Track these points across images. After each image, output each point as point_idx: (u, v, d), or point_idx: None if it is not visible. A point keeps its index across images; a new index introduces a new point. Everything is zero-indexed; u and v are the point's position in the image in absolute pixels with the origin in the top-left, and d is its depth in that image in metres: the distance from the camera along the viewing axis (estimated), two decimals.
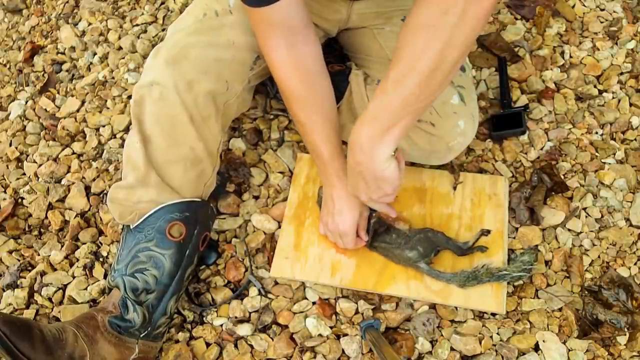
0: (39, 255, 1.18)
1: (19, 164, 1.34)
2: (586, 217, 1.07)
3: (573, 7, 1.35)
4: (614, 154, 1.13)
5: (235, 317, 1.04)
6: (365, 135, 0.79)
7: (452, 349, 0.96)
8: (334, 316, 1.02)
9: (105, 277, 1.11)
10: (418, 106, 0.76)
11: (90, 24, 1.55)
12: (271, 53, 0.90)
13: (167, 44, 0.95)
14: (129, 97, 1.35)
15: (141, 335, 0.94)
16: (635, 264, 1.02)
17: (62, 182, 1.27)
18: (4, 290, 1.14)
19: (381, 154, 0.80)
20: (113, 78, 1.41)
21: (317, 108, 0.94)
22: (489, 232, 1.01)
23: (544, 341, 0.95)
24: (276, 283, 1.07)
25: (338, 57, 1.25)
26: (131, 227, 0.95)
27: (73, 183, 1.26)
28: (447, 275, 0.98)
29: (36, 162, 1.32)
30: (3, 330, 0.79)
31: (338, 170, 0.96)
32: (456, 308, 1.00)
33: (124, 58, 1.43)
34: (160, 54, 0.94)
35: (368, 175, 0.84)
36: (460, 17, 0.66)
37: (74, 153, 1.31)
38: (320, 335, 1.00)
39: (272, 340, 1.01)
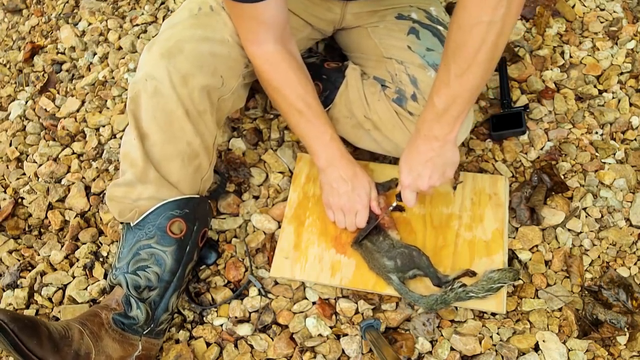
0: (39, 255, 1.18)
1: (19, 164, 1.34)
2: (586, 217, 1.07)
3: (573, 7, 1.35)
4: (614, 154, 1.14)
5: (235, 317, 1.04)
6: (440, 128, 0.87)
7: (452, 349, 0.96)
8: (334, 316, 1.02)
9: (105, 277, 1.11)
10: (479, 91, 0.86)
11: (90, 24, 1.55)
12: (259, 47, 0.93)
13: (161, 38, 0.95)
14: None
15: (144, 332, 0.95)
16: (635, 264, 1.02)
17: (62, 182, 1.27)
18: (4, 290, 1.14)
19: (453, 140, 0.89)
20: (113, 78, 1.41)
21: (311, 94, 0.98)
22: (474, 273, 0.98)
23: (544, 341, 0.95)
24: (276, 283, 1.07)
25: (338, 57, 1.25)
26: (131, 224, 0.95)
27: (73, 183, 1.26)
28: (415, 295, 0.96)
29: (36, 162, 1.32)
30: (11, 328, 0.79)
31: (341, 150, 1.00)
32: (456, 308, 1.00)
33: (124, 58, 1.43)
34: (154, 48, 0.94)
35: (438, 162, 0.91)
36: (508, 6, 0.73)
37: (74, 153, 1.31)
38: (320, 335, 1.00)
39: (272, 340, 1.01)
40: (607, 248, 1.04)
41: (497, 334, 0.97)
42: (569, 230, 1.07)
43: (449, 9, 1.28)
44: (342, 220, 1.04)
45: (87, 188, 1.24)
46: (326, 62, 1.15)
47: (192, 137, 0.94)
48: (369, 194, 1.02)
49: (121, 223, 0.99)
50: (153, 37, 1.44)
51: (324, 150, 1.00)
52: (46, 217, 1.23)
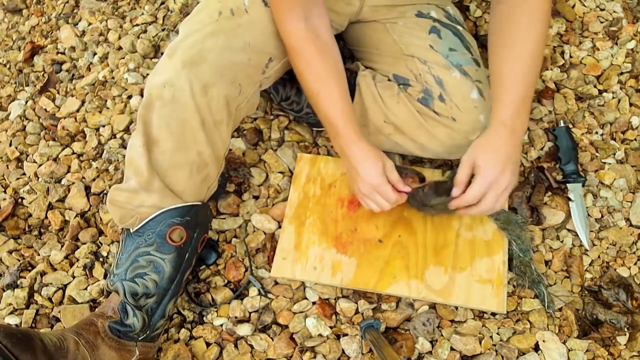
0: (39, 255, 1.18)
1: (19, 164, 1.34)
2: (587, 217, 1.07)
3: (573, 7, 1.35)
4: (614, 154, 1.14)
5: (235, 317, 1.04)
6: (521, 122, 0.89)
7: (452, 349, 0.96)
8: (334, 316, 1.02)
9: (105, 277, 1.11)
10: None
11: (90, 24, 1.55)
12: (289, 25, 0.92)
13: (183, 44, 0.93)
14: (129, 97, 1.35)
15: (140, 338, 0.94)
16: (635, 264, 1.02)
17: (62, 182, 1.27)
18: (4, 290, 1.14)
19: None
20: (113, 78, 1.41)
21: (332, 77, 0.96)
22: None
23: (544, 341, 0.95)
24: (276, 283, 1.07)
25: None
26: (131, 230, 0.94)
27: (73, 183, 1.26)
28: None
29: (36, 162, 1.32)
30: (4, 343, 0.78)
31: (352, 136, 0.96)
32: (456, 308, 1.00)
33: (124, 58, 1.43)
34: (177, 55, 0.91)
35: (516, 163, 0.91)
36: None
37: (74, 153, 1.31)
38: (320, 335, 1.00)
39: (272, 340, 1.01)
40: (607, 248, 1.04)
41: (497, 334, 0.97)
42: (568, 230, 1.07)
43: None
44: (372, 204, 0.99)
45: (87, 188, 1.24)
46: None
47: (203, 147, 0.93)
48: (382, 173, 0.95)
49: (121, 227, 0.98)
50: (154, 37, 1.45)
51: (336, 137, 0.98)
52: (46, 217, 1.23)
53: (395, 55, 1.06)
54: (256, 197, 1.18)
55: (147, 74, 1.38)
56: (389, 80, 1.06)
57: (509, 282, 1.01)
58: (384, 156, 0.98)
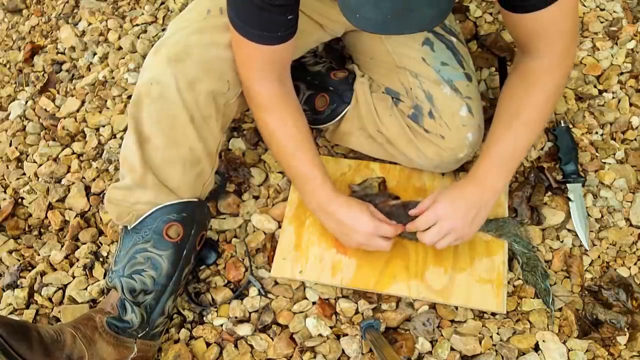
0: (39, 255, 1.18)
1: (19, 164, 1.34)
2: (587, 217, 1.07)
3: None
4: (614, 154, 1.14)
5: (235, 317, 1.04)
6: (497, 178, 0.91)
7: (452, 349, 0.96)
8: (334, 316, 1.02)
9: (105, 277, 1.11)
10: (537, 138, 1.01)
11: (90, 24, 1.55)
12: (264, 86, 0.92)
13: (168, 41, 0.93)
14: (129, 97, 1.35)
15: (139, 335, 0.94)
16: (635, 264, 1.02)
17: (62, 182, 1.27)
18: (4, 290, 1.14)
19: (497, 196, 0.94)
20: (113, 78, 1.41)
21: (304, 136, 0.96)
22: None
23: (544, 341, 0.95)
24: (276, 283, 1.07)
25: (338, 58, 1.24)
26: (128, 228, 0.95)
27: (73, 183, 1.26)
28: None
29: (36, 162, 1.32)
30: (0, 333, 0.79)
31: (332, 192, 0.97)
32: (456, 308, 1.00)
33: (124, 58, 1.43)
34: (162, 51, 0.92)
35: (478, 216, 0.92)
36: (572, 62, 0.86)
37: (74, 153, 1.31)
38: (320, 335, 1.00)
39: (272, 340, 1.01)
40: (607, 248, 1.04)
41: (497, 334, 0.97)
42: (569, 230, 1.07)
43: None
44: (374, 246, 0.97)
45: (87, 188, 1.24)
46: (332, 72, 1.14)
47: (195, 143, 0.93)
48: (372, 217, 0.95)
49: (120, 226, 0.98)
50: (154, 37, 1.45)
51: (313, 194, 0.97)
52: (46, 217, 1.23)
53: (389, 67, 1.06)
54: (256, 197, 1.17)
55: None
56: (383, 92, 1.07)
57: (509, 282, 1.01)
58: (362, 202, 0.98)
